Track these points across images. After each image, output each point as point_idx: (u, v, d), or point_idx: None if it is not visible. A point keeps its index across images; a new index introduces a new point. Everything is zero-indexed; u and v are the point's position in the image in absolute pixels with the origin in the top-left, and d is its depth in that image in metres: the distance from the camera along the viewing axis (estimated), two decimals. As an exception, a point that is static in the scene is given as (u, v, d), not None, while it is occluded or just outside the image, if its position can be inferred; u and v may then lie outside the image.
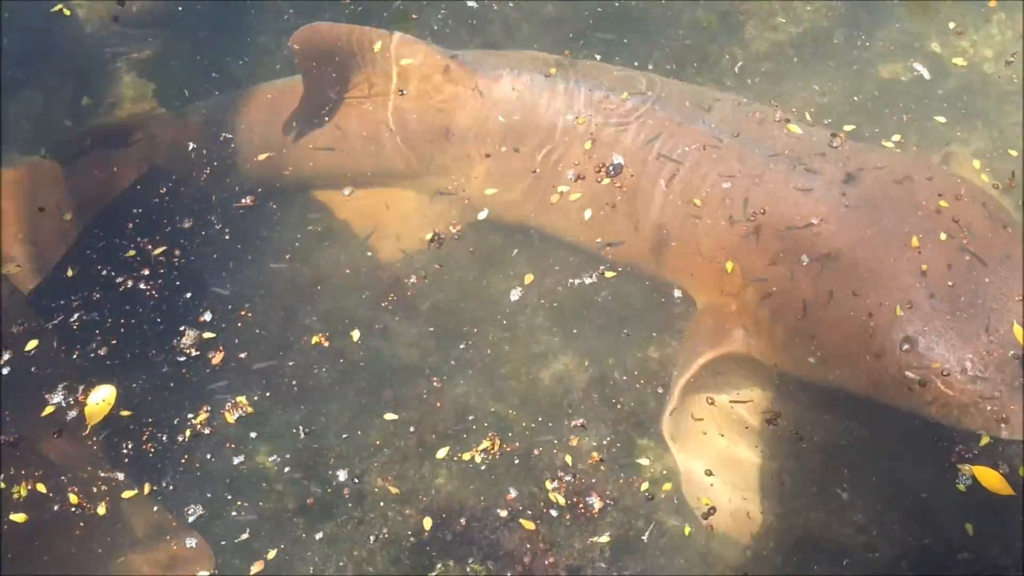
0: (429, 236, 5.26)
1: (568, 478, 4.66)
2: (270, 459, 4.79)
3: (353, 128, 5.33)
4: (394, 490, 4.69)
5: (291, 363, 5.03)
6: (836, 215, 4.45)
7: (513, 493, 4.66)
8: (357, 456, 4.80)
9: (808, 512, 4.52)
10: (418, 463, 4.78)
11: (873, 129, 5.55)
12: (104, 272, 5.14)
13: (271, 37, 6.30)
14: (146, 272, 5.15)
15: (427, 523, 4.58)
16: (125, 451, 4.71)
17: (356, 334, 5.05)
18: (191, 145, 5.52)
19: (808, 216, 4.48)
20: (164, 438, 4.75)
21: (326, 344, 5.06)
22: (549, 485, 4.65)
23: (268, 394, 4.93)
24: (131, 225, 5.29)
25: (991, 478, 4.17)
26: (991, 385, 4.11)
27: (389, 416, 4.88)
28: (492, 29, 6.15)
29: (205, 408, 4.82)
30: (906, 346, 4.19)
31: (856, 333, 4.29)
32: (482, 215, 5.26)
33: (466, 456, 4.76)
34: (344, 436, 4.85)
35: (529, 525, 4.56)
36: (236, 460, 4.75)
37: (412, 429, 4.85)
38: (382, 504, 4.67)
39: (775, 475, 4.63)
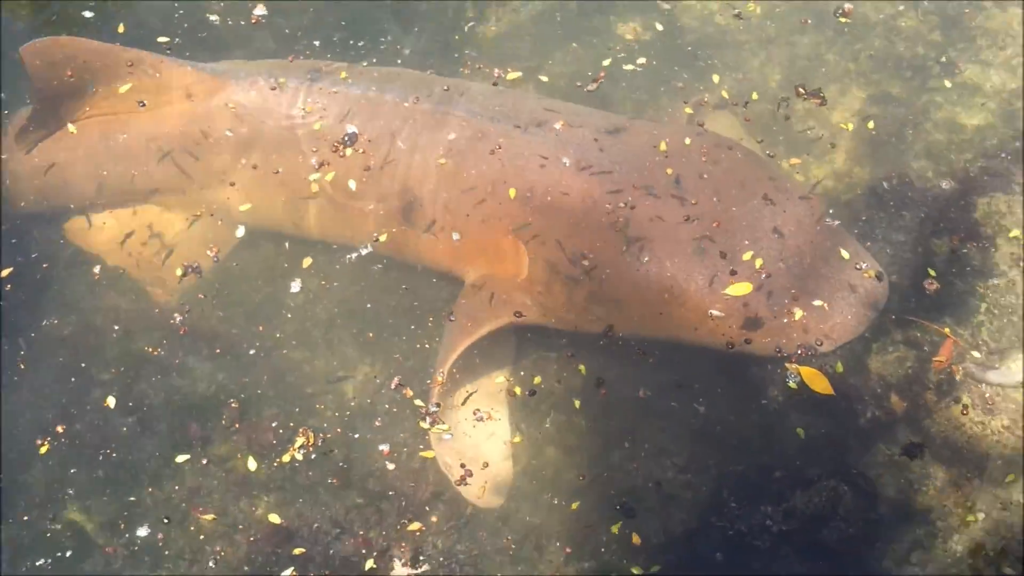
0: (180, 272, 5.06)
1: (434, 408, 4.59)
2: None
3: (95, 146, 5.12)
4: (208, 517, 4.52)
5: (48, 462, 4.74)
6: (596, 168, 4.53)
7: (385, 447, 4.62)
8: (164, 504, 4.60)
9: (624, 463, 4.58)
10: (236, 490, 4.62)
11: (620, 86, 5.70)
12: None
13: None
14: None
15: (273, 517, 4.50)
16: None
17: (112, 401, 4.79)
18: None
19: (565, 174, 4.55)
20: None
21: (59, 436, 4.76)
22: (424, 424, 4.59)
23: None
24: None
25: (815, 378, 4.32)
26: (788, 306, 4.31)
27: (181, 457, 4.67)
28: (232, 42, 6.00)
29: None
30: (703, 285, 4.31)
31: (646, 281, 4.36)
32: (240, 232, 5.12)
33: (285, 458, 4.62)
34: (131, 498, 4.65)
35: (431, 454, 4.57)
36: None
37: (205, 462, 4.67)
38: (203, 536, 4.51)
39: (579, 431, 4.70)
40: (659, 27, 5.96)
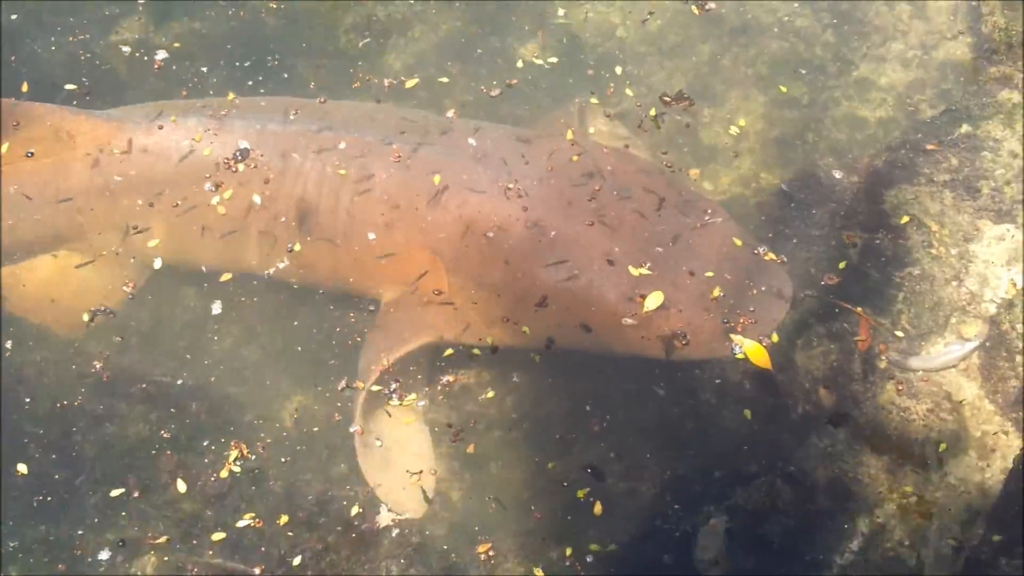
0: (87, 317, 4.96)
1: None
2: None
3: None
4: (162, 539, 4.45)
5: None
6: (507, 179, 4.58)
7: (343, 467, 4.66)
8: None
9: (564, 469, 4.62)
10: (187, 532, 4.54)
11: (523, 107, 5.72)
12: None
13: None
14: None
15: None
16: None
17: (23, 468, 4.64)
18: None
19: (476, 185, 4.58)
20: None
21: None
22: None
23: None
24: None
25: (757, 352, 4.35)
26: (697, 314, 4.34)
27: (115, 492, 4.58)
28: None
29: None
30: (619, 296, 4.33)
31: (568, 293, 4.38)
32: (157, 264, 5.00)
33: (223, 474, 4.56)
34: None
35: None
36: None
37: (137, 494, 4.59)
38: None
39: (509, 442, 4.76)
40: (561, 43, 6.02)
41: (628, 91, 5.71)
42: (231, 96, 5.02)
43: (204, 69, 5.89)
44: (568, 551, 4.38)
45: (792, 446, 4.42)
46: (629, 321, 4.31)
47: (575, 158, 4.69)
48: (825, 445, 4.40)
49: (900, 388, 4.38)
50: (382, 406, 4.70)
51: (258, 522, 4.50)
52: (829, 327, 4.58)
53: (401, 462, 4.65)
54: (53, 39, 5.99)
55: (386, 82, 5.61)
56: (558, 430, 4.70)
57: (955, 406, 4.35)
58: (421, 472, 4.61)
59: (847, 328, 4.55)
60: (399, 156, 4.67)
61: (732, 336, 4.35)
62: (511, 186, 4.55)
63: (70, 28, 6.05)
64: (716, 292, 4.37)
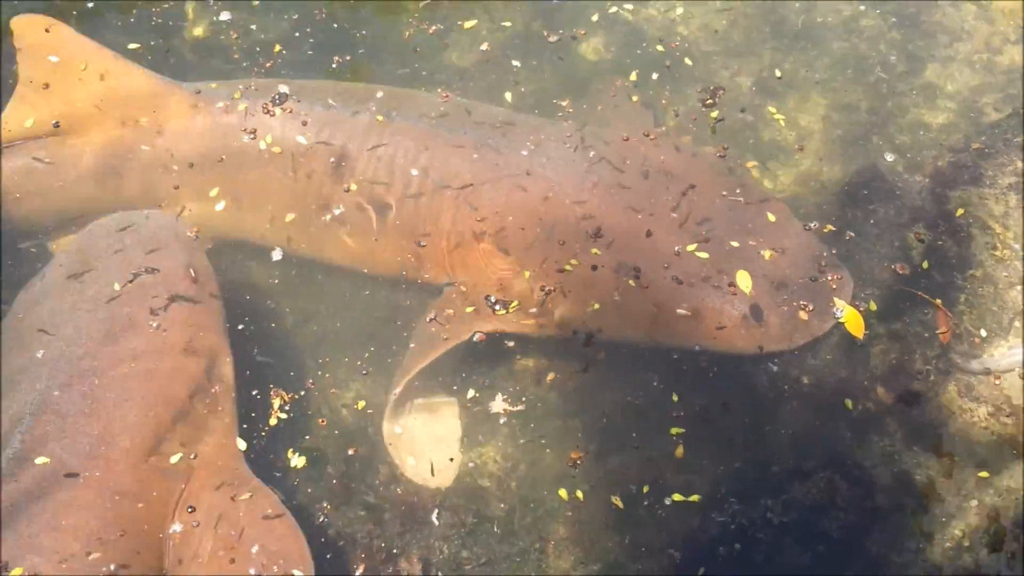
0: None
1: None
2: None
3: (69, 155, 4.99)
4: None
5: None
6: (563, 171, 4.62)
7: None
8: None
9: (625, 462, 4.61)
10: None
11: (582, 106, 5.69)
12: None
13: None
14: None
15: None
16: None
17: None
18: None
19: (532, 178, 4.62)
20: None
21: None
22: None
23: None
24: None
25: (854, 319, 4.38)
26: (763, 307, 4.38)
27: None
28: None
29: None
30: (678, 285, 4.37)
31: (636, 290, 4.41)
32: (219, 206, 5.00)
33: (272, 422, 4.56)
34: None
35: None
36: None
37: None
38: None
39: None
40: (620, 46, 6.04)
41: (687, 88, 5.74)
42: (277, 48, 5.39)
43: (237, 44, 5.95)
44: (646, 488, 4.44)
45: (850, 444, 4.40)
46: (682, 312, 4.35)
47: (634, 149, 4.74)
48: (884, 444, 4.38)
49: (961, 391, 4.36)
50: (415, 395, 4.74)
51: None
52: (889, 327, 4.56)
53: (427, 443, 4.68)
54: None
55: (431, 28, 5.82)
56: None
57: (1014, 410, 4.32)
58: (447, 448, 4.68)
59: (909, 330, 4.53)
60: (459, 145, 4.72)
61: (835, 300, 4.36)
62: (571, 178, 4.59)
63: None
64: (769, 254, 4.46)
